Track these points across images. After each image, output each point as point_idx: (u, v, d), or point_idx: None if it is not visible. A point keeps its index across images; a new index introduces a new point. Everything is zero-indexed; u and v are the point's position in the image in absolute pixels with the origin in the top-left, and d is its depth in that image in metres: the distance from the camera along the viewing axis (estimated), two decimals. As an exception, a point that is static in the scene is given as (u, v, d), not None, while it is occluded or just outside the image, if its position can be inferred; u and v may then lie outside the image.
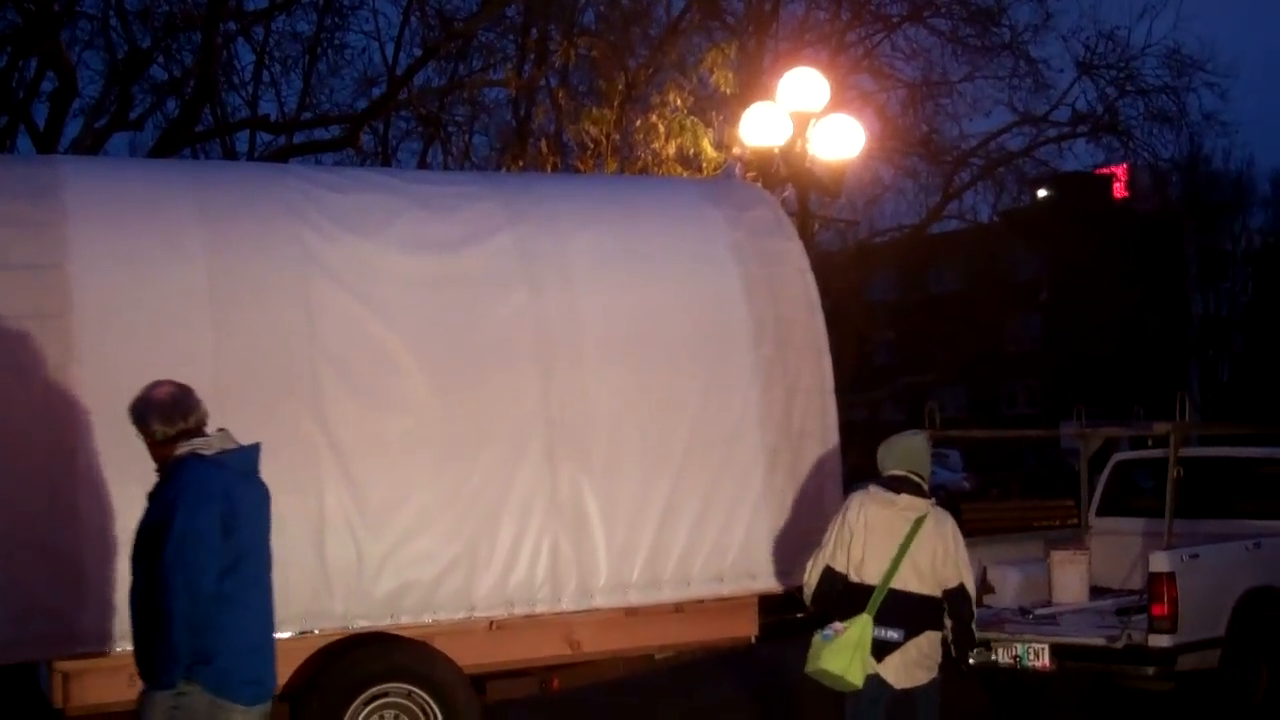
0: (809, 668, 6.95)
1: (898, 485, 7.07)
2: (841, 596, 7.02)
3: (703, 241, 8.61)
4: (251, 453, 5.49)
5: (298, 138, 20.69)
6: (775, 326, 8.47)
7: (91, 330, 6.89)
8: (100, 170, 8.40)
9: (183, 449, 5.32)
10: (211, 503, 5.21)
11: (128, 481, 6.46)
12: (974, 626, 7.18)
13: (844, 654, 6.80)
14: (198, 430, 5.39)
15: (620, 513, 7.85)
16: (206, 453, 5.32)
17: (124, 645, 6.32)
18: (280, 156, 19.08)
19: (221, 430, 5.44)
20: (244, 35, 21.00)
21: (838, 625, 6.88)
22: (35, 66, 18.28)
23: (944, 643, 7.12)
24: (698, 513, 8.04)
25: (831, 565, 7.08)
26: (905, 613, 6.92)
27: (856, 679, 6.81)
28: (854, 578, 7.01)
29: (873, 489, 7.12)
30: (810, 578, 7.18)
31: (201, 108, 18.74)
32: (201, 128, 19.59)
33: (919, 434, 7.49)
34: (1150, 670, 8.90)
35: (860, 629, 6.83)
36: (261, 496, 5.51)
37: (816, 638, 6.93)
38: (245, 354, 7.18)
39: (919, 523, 6.98)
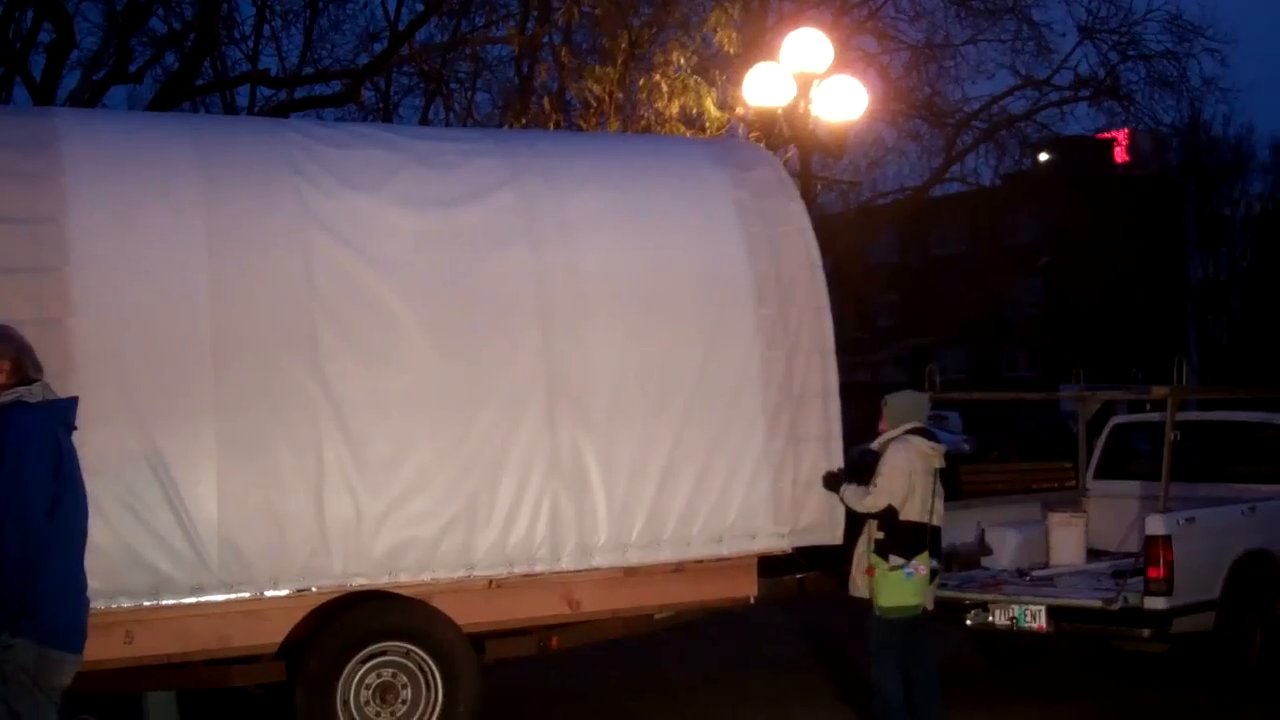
0: (896, 603, 7.84)
1: (929, 435, 8.06)
2: (898, 533, 7.87)
3: (705, 201, 8.56)
4: (71, 404, 5.52)
5: (298, 93, 20.61)
6: (777, 286, 8.44)
7: (89, 284, 6.85)
8: (98, 123, 8.33)
9: (7, 397, 5.32)
10: (42, 443, 5.23)
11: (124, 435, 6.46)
12: None
13: (924, 588, 7.87)
14: (29, 381, 5.40)
15: (620, 472, 7.84)
16: (31, 400, 5.33)
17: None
18: (280, 111, 18.98)
19: (42, 382, 5.44)
20: (245, -12, 20.92)
21: (917, 566, 7.82)
22: (32, 17, 18.15)
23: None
24: (698, 472, 8.03)
25: (893, 504, 7.90)
26: (937, 543, 8.04)
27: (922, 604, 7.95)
28: (903, 516, 7.90)
29: (914, 439, 8.00)
30: (872, 507, 7.96)
31: (201, 61, 18.64)
32: (201, 81, 19.50)
33: (919, 392, 8.65)
34: (1146, 632, 8.93)
35: (929, 565, 7.90)
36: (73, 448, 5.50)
37: (898, 575, 7.83)
38: (243, 309, 7.14)
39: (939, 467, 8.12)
